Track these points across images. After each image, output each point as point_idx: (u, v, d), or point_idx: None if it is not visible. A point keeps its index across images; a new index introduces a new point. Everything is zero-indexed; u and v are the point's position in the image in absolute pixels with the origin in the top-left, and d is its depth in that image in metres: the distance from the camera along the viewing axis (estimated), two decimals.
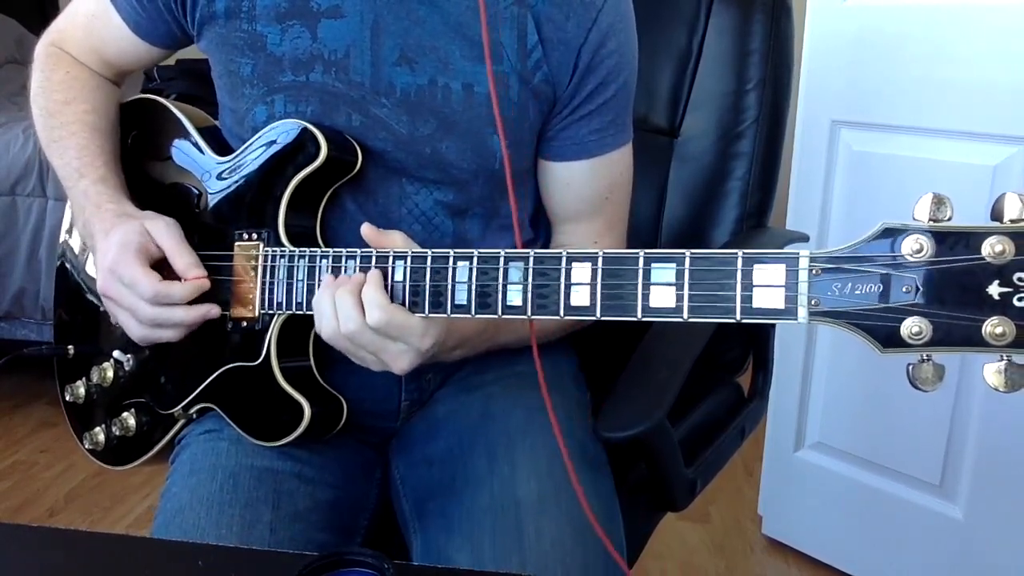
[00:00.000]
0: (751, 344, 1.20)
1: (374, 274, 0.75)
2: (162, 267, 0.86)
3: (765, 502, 1.94)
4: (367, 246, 0.79)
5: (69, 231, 1.06)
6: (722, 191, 1.18)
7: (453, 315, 0.74)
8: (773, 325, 1.20)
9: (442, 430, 0.93)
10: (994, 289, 0.55)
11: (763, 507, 1.95)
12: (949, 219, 0.57)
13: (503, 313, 0.72)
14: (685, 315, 0.65)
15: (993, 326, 0.55)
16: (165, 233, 0.86)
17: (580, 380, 1.03)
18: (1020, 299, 0.55)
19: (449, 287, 0.74)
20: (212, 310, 0.85)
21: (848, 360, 1.72)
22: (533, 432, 0.87)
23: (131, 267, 0.83)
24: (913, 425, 1.63)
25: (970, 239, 0.56)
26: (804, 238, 1.26)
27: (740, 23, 1.16)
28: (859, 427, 1.73)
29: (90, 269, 1.01)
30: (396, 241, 0.78)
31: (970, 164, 1.47)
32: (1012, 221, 0.55)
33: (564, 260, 0.69)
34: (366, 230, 0.78)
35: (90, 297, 1.01)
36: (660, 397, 0.86)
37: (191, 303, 0.84)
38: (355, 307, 0.75)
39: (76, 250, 1.04)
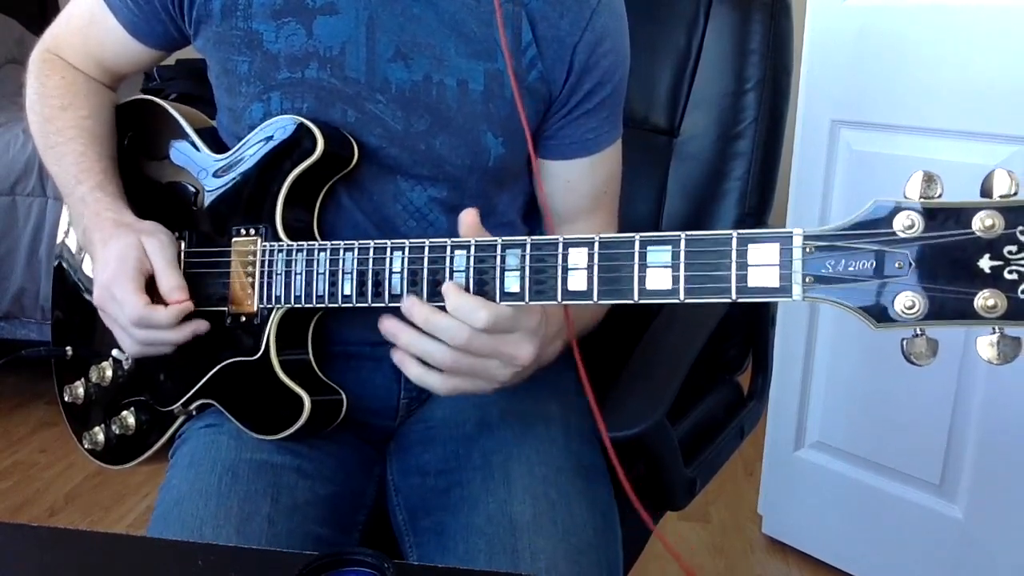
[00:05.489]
0: (750, 343, 1.20)
1: (451, 286, 0.73)
2: (154, 284, 0.86)
3: (765, 502, 1.94)
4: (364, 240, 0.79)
5: (67, 232, 1.06)
6: (721, 191, 1.18)
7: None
8: (772, 324, 1.21)
9: (437, 438, 0.93)
10: (985, 263, 0.56)
11: (763, 507, 1.95)
12: (939, 196, 0.58)
13: (501, 300, 0.72)
14: (682, 296, 0.65)
15: (985, 299, 0.56)
16: (158, 252, 0.86)
17: (579, 382, 1.03)
18: (1011, 272, 0.56)
19: (447, 275, 0.74)
20: (200, 326, 0.86)
21: (848, 360, 1.72)
22: (529, 444, 0.87)
23: (123, 287, 0.84)
24: (913, 425, 1.63)
25: (960, 214, 0.57)
26: None
27: (739, 23, 1.16)
28: (859, 427, 1.73)
29: (87, 270, 1.01)
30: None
31: (970, 164, 1.46)
32: (1002, 196, 0.56)
33: (561, 245, 0.70)
34: (470, 217, 0.75)
35: (87, 297, 1.01)
36: (659, 396, 0.86)
37: (181, 321, 0.85)
38: (451, 320, 0.72)
39: (73, 251, 1.04)
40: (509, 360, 0.76)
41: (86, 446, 1.01)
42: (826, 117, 1.66)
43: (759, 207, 1.18)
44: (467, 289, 0.73)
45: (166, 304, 0.85)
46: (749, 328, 1.18)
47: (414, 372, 0.77)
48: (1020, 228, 0.56)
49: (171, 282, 0.85)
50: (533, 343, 0.76)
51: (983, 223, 0.56)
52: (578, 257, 0.69)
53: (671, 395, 0.87)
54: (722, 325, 1.01)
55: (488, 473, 0.85)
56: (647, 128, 1.21)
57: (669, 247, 0.65)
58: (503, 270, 0.72)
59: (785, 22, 1.16)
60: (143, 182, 0.98)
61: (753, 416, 1.18)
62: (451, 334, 0.73)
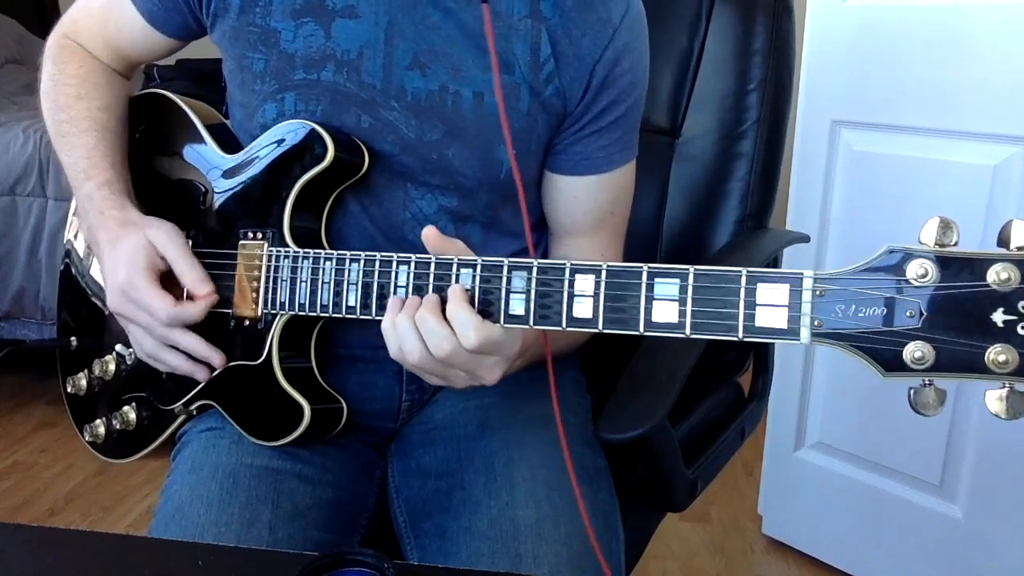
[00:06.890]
0: (751, 345, 1.20)
1: (457, 291, 0.72)
2: (169, 277, 0.86)
3: (765, 502, 1.94)
4: (371, 248, 0.79)
5: (72, 228, 1.06)
6: (723, 191, 1.18)
7: None
8: None
9: (439, 439, 0.93)
10: (998, 316, 0.55)
11: (763, 507, 1.95)
12: (955, 244, 0.57)
13: (505, 322, 0.71)
14: (688, 331, 0.64)
15: (996, 353, 0.55)
16: (169, 244, 0.85)
17: (580, 384, 1.03)
18: None
19: None
20: (217, 359, 0.86)
21: (848, 360, 1.71)
22: (531, 446, 0.87)
23: (143, 290, 0.84)
24: (913, 425, 1.62)
25: (975, 266, 0.56)
26: (805, 239, 1.26)
27: (741, 24, 1.16)
28: (859, 427, 1.73)
29: (95, 273, 1.01)
30: (459, 248, 0.75)
31: (970, 164, 1.47)
32: (1019, 248, 0.55)
33: (568, 271, 0.69)
34: (429, 232, 0.75)
35: (94, 300, 1.01)
36: (660, 398, 0.86)
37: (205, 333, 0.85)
38: (443, 328, 0.72)
39: (80, 253, 1.04)
40: (476, 378, 0.76)
41: (87, 438, 1.01)
42: (826, 117, 1.66)
43: (760, 208, 1.18)
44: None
45: (182, 296, 0.85)
46: None
47: (385, 325, 0.75)
48: None
49: (194, 274, 0.85)
50: (503, 368, 0.76)
51: (998, 276, 0.55)
52: (584, 284, 0.68)
53: (672, 396, 0.86)
54: None
55: (490, 476, 0.85)
56: (649, 129, 1.21)
57: (677, 280, 0.65)
58: (509, 292, 0.71)
59: (787, 22, 1.16)
60: (153, 177, 0.97)
61: (754, 417, 1.18)
62: (435, 342, 0.72)
